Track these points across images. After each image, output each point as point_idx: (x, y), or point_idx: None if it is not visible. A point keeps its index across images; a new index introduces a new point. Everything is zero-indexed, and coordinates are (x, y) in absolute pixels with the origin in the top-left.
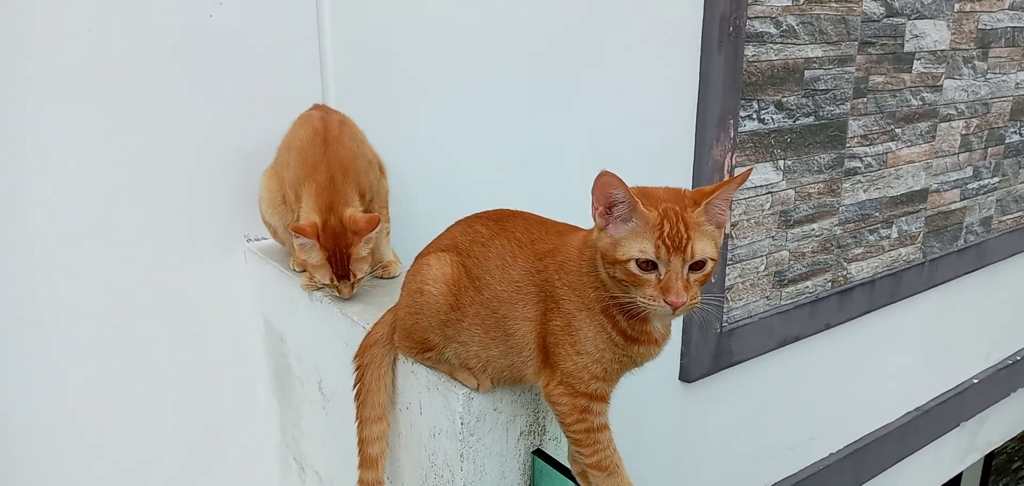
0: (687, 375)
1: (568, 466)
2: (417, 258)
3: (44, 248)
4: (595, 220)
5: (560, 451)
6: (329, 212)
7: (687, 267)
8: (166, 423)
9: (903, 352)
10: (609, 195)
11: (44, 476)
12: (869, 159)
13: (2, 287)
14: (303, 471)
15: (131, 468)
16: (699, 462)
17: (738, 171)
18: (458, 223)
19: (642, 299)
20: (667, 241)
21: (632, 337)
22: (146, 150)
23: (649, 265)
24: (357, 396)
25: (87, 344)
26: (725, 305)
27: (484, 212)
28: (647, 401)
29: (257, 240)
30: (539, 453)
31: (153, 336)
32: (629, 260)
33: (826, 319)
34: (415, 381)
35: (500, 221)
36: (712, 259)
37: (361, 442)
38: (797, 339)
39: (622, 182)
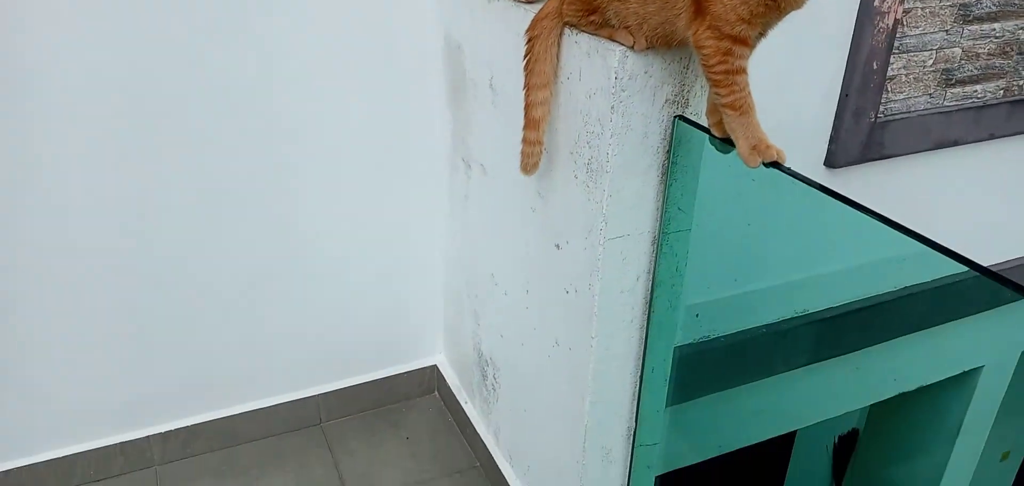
0: (833, 160)
1: (705, 124)
2: None
3: None
4: None
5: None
6: None
7: None
8: (356, 130)
9: None
10: None
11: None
12: None
13: None
14: (469, 168)
15: (323, 163)
16: (834, 251)
17: None
18: None
19: None
20: None
21: None
22: None
23: None
24: (526, 66)
25: (290, 57)
26: (883, 96)
27: None
28: (786, 185)
29: None
30: (681, 118)
31: (344, 47)
32: None
33: (991, 129)
34: (577, 50)
35: None
36: None
37: (527, 106)
38: (955, 144)
39: None
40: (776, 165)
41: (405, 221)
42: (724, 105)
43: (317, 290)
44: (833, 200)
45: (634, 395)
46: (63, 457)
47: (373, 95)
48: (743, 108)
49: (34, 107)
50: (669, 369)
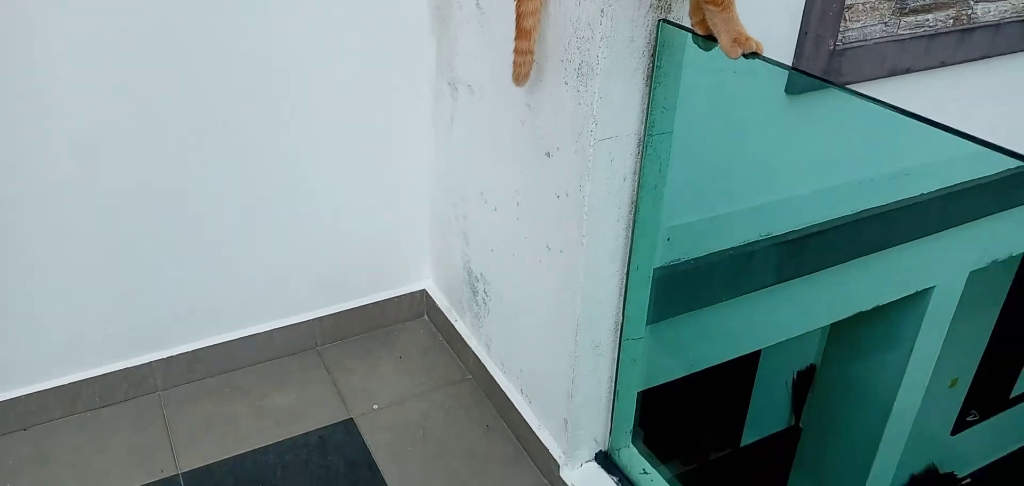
0: (793, 87)
1: (687, 25)
2: None
3: None
4: None
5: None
6: None
7: None
8: (340, 61)
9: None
10: None
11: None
12: None
13: None
14: (455, 90)
15: (310, 97)
16: (795, 176)
17: None
18: None
19: None
20: None
21: None
22: None
23: None
24: None
25: None
26: (841, 24)
27: None
28: (750, 108)
29: None
30: (665, 21)
31: None
32: None
33: (941, 56)
34: None
35: None
36: None
37: (519, 17)
38: (908, 71)
39: None
40: (755, 55)
41: (390, 150)
42: (707, 2)
43: (309, 219)
44: (795, 127)
45: (621, 291)
46: (68, 384)
47: (357, 26)
48: (725, 4)
49: (35, 47)
50: (652, 267)
